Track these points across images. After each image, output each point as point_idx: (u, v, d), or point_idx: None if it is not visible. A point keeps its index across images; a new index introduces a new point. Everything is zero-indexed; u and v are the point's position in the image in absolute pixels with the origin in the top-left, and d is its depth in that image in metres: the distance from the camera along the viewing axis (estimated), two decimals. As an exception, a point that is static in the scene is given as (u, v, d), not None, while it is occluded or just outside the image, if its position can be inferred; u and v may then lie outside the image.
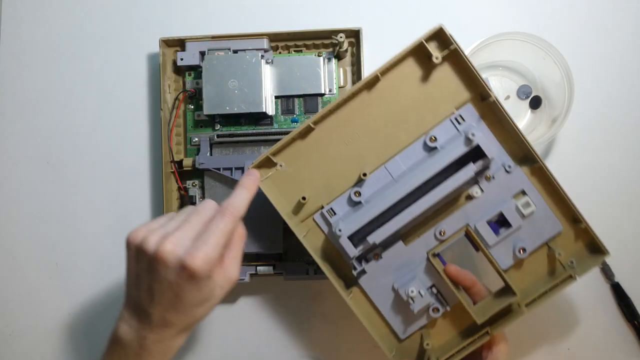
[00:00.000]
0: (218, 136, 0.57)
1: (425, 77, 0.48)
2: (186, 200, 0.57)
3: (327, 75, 0.57)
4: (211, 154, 0.57)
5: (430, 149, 0.48)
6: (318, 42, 0.57)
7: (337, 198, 0.49)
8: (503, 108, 0.46)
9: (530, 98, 0.58)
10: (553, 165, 0.58)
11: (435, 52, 0.47)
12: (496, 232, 0.48)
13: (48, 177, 0.61)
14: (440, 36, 0.47)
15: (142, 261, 0.43)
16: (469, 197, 0.48)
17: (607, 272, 0.57)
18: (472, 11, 0.60)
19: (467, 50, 0.54)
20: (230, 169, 0.56)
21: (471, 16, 0.60)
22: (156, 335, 0.43)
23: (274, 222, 0.54)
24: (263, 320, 0.59)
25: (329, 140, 0.49)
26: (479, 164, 0.46)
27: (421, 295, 0.48)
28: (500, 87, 0.59)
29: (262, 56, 0.56)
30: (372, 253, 0.49)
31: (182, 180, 0.58)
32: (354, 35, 0.57)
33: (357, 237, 0.47)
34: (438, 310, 0.48)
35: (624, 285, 0.56)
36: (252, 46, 0.57)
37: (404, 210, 0.46)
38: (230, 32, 0.57)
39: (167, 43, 0.58)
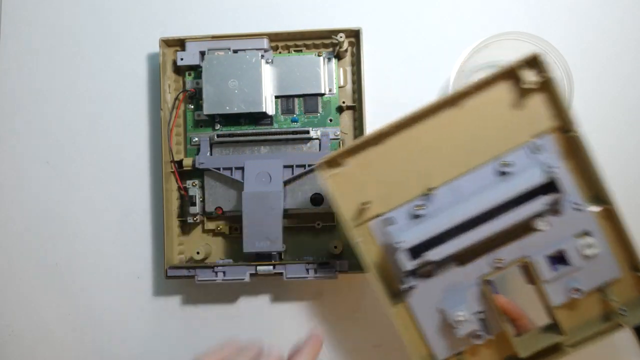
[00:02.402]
0: (218, 136, 0.57)
1: (510, 101, 0.47)
2: (186, 200, 0.57)
3: (327, 75, 0.57)
4: (211, 154, 0.57)
5: (501, 174, 0.47)
6: (318, 42, 0.57)
7: (398, 208, 0.48)
8: (587, 145, 0.45)
9: (530, 98, 0.58)
10: (553, 165, 0.58)
11: (526, 78, 0.46)
12: (553, 268, 0.47)
13: (48, 177, 0.61)
14: (533, 63, 0.46)
15: None
16: (532, 229, 0.47)
17: (607, 271, 0.56)
18: (472, 11, 0.60)
19: (467, 50, 0.54)
20: (230, 168, 0.56)
21: (471, 16, 0.60)
22: None
23: (274, 222, 0.54)
24: (263, 320, 0.59)
25: (400, 149, 0.48)
26: (551, 197, 0.45)
27: (467, 321, 0.47)
28: (500, 87, 0.59)
29: (262, 56, 0.56)
30: (424, 270, 0.48)
31: (182, 180, 0.58)
32: (354, 35, 0.57)
33: (412, 252, 0.46)
34: (481, 337, 0.47)
35: (624, 285, 0.57)
36: (252, 46, 0.57)
37: (467, 232, 0.46)
38: (230, 32, 0.57)
39: (167, 43, 0.58)
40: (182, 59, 0.57)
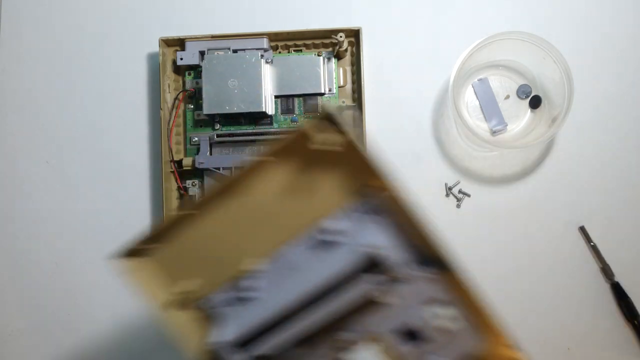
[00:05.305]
0: (218, 136, 0.57)
1: (317, 164, 0.41)
2: (186, 200, 0.57)
3: (327, 75, 0.57)
4: (211, 154, 0.57)
5: (323, 244, 0.41)
6: (318, 41, 0.57)
7: (217, 291, 0.42)
8: (406, 204, 0.38)
9: (530, 97, 0.58)
10: (552, 164, 0.58)
11: (328, 139, 0.39)
12: (407, 343, 0.41)
13: (48, 177, 0.61)
14: (330, 121, 0.39)
15: None
16: (377, 303, 0.41)
17: (607, 271, 0.56)
18: (472, 11, 0.60)
19: (467, 50, 0.54)
20: (230, 168, 0.56)
21: (471, 16, 0.60)
22: None
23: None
24: (263, 320, 0.59)
25: (217, 223, 0.42)
26: (379, 273, 0.39)
27: None
28: (500, 86, 0.59)
29: (262, 56, 0.56)
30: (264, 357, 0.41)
31: (182, 180, 0.58)
32: (354, 35, 0.57)
33: (246, 341, 0.40)
34: None
35: (624, 285, 0.56)
36: (252, 46, 0.57)
37: (299, 314, 0.40)
38: (230, 31, 0.57)
39: (167, 43, 0.58)
40: (181, 59, 0.57)
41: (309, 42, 0.58)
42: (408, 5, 0.60)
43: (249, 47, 0.57)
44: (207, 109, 0.56)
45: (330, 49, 0.58)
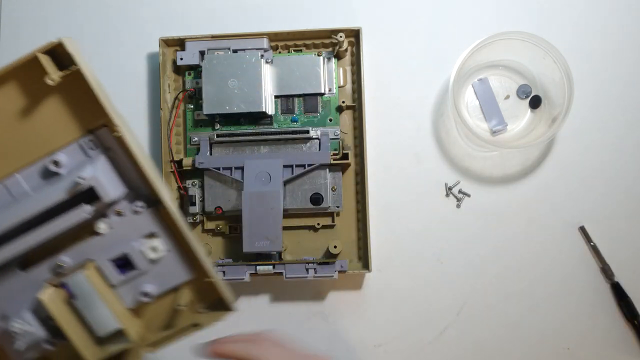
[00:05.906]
0: (218, 136, 0.57)
1: (51, 95, 0.43)
2: (186, 200, 0.57)
3: (326, 75, 0.57)
4: (211, 154, 0.57)
5: (50, 174, 0.43)
6: (318, 41, 0.57)
7: None
8: (129, 143, 0.42)
9: (530, 97, 0.58)
10: (552, 164, 0.58)
11: (53, 72, 0.41)
12: (121, 272, 0.44)
13: (48, 177, 0.61)
14: (59, 53, 0.41)
15: None
16: (95, 232, 0.44)
17: (607, 271, 0.56)
18: (472, 11, 0.60)
19: (467, 50, 0.54)
20: (230, 168, 0.56)
21: (471, 16, 0.60)
22: None
23: (273, 222, 0.54)
24: (263, 320, 0.59)
25: None
26: (95, 204, 0.42)
27: (30, 329, 0.44)
28: (500, 86, 0.59)
29: (262, 56, 0.56)
30: None
31: (182, 180, 0.58)
32: (354, 35, 0.57)
33: None
34: (51, 344, 0.44)
35: (624, 285, 0.56)
36: (252, 46, 0.57)
37: (16, 238, 0.42)
38: (230, 31, 0.57)
39: (167, 43, 0.58)
40: (181, 59, 0.57)
41: (309, 42, 0.58)
42: (408, 5, 0.60)
43: (249, 47, 0.57)
44: (207, 109, 0.56)
45: (330, 49, 0.58)
